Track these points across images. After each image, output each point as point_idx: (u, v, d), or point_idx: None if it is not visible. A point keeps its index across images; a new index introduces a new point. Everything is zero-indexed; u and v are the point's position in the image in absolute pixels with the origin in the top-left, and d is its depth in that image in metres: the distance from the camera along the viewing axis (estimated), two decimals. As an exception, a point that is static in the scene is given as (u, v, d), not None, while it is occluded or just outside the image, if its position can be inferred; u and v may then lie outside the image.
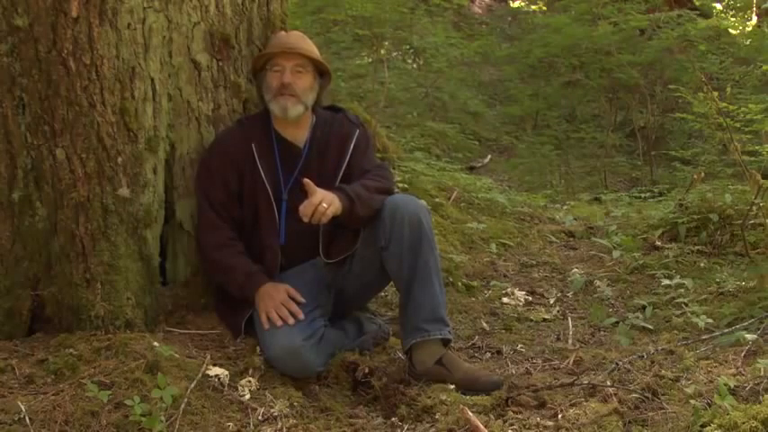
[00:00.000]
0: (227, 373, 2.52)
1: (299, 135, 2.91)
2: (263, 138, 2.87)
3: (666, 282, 3.74)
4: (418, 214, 2.76)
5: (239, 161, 2.83)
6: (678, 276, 3.77)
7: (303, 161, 2.89)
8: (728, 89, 4.82)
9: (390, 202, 2.79)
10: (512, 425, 2.34)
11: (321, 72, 2.93)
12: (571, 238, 4.99)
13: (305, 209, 2.66)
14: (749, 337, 2.80)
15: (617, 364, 2.71)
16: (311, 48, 2.91)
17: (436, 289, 2.76)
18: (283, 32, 2.99)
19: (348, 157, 2.89)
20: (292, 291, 2.73)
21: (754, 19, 11.84)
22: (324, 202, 2.66)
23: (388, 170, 3.02)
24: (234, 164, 2.83)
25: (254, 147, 2.83)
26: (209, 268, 2.89)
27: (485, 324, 3.40)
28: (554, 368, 2.87)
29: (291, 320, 2.65)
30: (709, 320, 3.19)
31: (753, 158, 4.66)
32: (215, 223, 2.82)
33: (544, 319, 3.50)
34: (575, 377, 2.65)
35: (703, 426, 2.14)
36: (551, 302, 3.75)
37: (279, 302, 2.69)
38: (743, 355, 2.68)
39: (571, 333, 3.28)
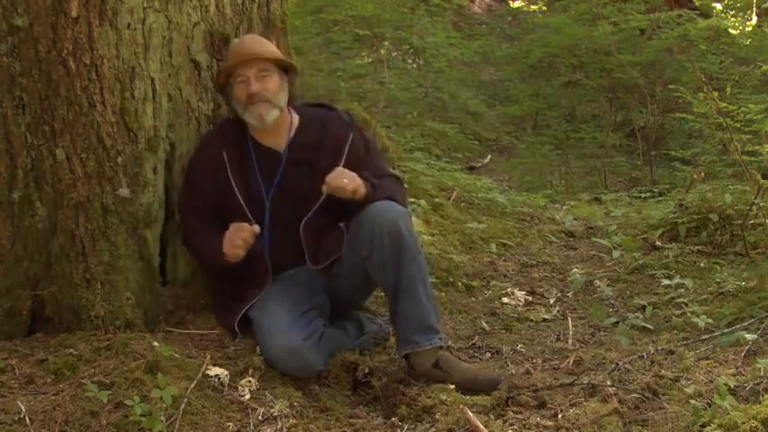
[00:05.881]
0: (227, 373, 2.52)
1: (278, 140, 2.86)
2: (237, 145, 2.82)
3: (666, 282, 3.74)
4: (397, 222, 2.69)
5: (212, 169, 2.79)
6: (678, 276, 3.77)
7: (284, 166, 2.84)
8: (728, 89, 4.83)
9: (369, 211, 2.72)
10: (512, 425, 2.34)
11: (286, 69, 2.86)
12: (571, 238, 4.99)
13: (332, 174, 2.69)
14: (749, 337, 2.80)
15: (617, 364, 2.71)
16: (269, 48, 2.83)
17: (422, 299, 2.71)
18: (236, 40, 2.90)
19: (343, 160, 2.81)
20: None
21: (754, 19, 11.85)
22: (345, 177, 2.68)
23: (403, 185, 2.97)
24: (208, 171, 2.80)
25: (224, 154, 2.79)
26: (201, 265, 2.91)
27: (485, 324, 3.40)
28: (554, 368, 2.87)
29: (250, 236, 2.69)
30: (710, 320, 3.19)
31: (753, 158, 4.65)
32: (197, 228, 2.83)
33: (544, 319, 3.50)
34: (575, 377, 2.65)
35: (703, 426, 2.14)
36: (551, 302, 3.75)
37: (233, 232, 2.70)
38: (743, 355, 2.68)
39: (571, 333, 3.28)
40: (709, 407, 2.23)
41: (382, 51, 7.92)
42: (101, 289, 2.64)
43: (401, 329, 2.73)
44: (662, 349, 2.86)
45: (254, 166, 2.83)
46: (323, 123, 2.90)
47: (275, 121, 2.81)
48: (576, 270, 4.14)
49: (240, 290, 2.80)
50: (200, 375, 2.45)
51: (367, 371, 2.70)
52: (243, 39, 2.88)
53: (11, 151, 2.61)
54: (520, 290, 3.83)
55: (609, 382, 2.55)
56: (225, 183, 2.79)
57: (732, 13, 12.40)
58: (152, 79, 2.77)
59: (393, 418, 2.52)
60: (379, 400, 2.63)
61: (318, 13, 7.91)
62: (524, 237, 4.84)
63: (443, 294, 3.59)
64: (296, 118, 2.91)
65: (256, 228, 2.71)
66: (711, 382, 2.45)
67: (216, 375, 2.49)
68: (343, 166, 2.79)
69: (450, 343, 3.08)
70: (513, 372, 2.85)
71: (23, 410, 2.17)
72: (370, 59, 9.01)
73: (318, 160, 2.83)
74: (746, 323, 3.02)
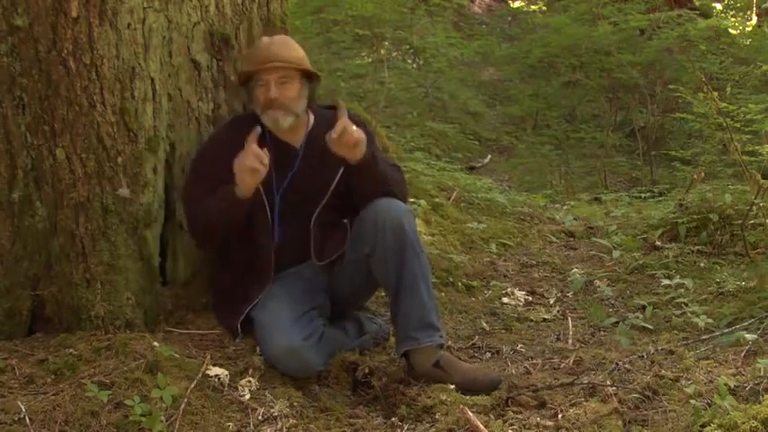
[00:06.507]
0: (227, 373, 2.52)
1: (295, 136, 2.88)
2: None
3: (666, 282, 3.74)
4: (401, 219, 2.71)
5: (229, 157, 2.73)
6: (678, 276, 3.77)
7: (300, 161, 2.86)
8: (728, 89, 4.83)
9: (373, 208, 2.74)
10: (512, 425, 2.34)
11: (309, 75, 2.85)
12: (571, 238, 4.99)
13: (336, 128, 2.63)
14: (749, 337, 2.80)
15: (617, 364, 2.71)
16: (294, 54, 2.81)
17: (424, 296, 2.72)
18: (265, 39, 2.86)
19: None
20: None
21: (754, 19, 11.86)
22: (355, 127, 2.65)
23: (402, 173, 2.96)
24: (222, 161, 2.74)
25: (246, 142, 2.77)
26: (208, 234, 2.81)
27: (485, 324, 3.40)
28: (554, 368, 2.87)
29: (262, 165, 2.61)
30: (710, 320, 3.19)
31: (753, 158, 4.66)
32: (203, 198, 2.75)
33: (544, 319, 3.50)
34: (575, 377, 2.65)
35: (703, 426, 2.14)
36: (551, 302, 3.74)
37: (245, 155, 2.62)
38: (743, 355, 2.68)
39: (571, 333, 3.28)
40: (709, 407, 2.24)
41: (382, 51, 7.92)
42: (101, 289, 2.64)
43: (402, 327, 2.74)
44: (662, 349, 2.86)
45: (270, 159, 2.83)
46: (332, 123, 2.90)
47: (290, 127, 2.82)
48: (576, 270, 4.14)
49: (242, 289, 2.79)
50: (200, 375, 2.45)
51: (367, 371, 2.70)
52: (273, 40, 2.84)
53: (11, 151, 2.61)
54: (520, 290, 3.83)
55: (609, 382, 2.55)
56: None
57: (732, 13, 12.41)
58: (152, 79, 2.77)
59: (393, 418, 2.52)
60: (379, 400, 2.63)
61: (318, 13, 7.91)
62: (524, 237, 4.84)
63: (443, 294, 3.59)
64: (312, 117, 2.93)
65: (258, 129, 2.64)
66: (711, 382, 2.45)
67: (216, 375, 2.49)
68: (347, 165, 2.80)
69: (450, 343, 3.08)
70: (513, 372, 2.85)
71: (23, 410, 2.17)
72: (370, 59, 9.01)
73: (325, 158, 2.83)
74: (746, 323, 3.02)
